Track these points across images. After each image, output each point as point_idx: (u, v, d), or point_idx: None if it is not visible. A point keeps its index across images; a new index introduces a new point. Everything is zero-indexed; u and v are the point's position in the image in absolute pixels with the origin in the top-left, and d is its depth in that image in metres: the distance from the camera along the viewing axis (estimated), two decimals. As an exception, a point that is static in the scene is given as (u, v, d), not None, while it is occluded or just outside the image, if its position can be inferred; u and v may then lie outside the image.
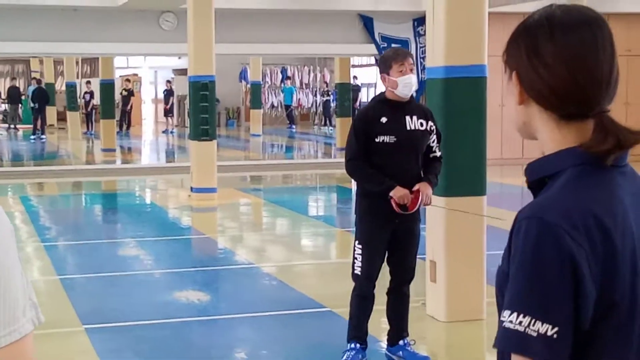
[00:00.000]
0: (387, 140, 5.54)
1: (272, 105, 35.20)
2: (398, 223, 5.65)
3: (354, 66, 28.34)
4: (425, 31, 19.34)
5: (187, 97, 34.40)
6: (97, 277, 8.85)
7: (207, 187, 14.38)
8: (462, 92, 7.02)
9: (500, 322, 1.60)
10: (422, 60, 19.48)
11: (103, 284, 8.58)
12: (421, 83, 19.16)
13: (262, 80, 32.71)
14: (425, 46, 19.35)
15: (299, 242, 11.45)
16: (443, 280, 7.02)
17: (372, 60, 19.82)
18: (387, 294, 6.00)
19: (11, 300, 1.37)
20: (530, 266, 1.56)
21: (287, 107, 34.73)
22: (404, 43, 19.36)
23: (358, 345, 5.87)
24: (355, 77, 31.00)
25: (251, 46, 19.11)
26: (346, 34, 19.00)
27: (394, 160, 5.56)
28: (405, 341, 6.08)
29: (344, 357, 5.84)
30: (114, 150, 24.75)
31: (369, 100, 6.45)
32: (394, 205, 5.54)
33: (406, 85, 5.60)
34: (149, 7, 17.52)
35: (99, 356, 6.03)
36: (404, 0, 18.98)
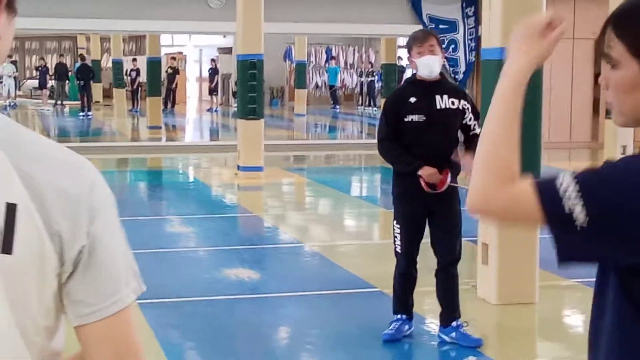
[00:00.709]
0: (417, 120, 5.68)
1: (316, 85, 35.15)
2: (435, 202, 5.74)
3: (399, 47, 28.21)
4: (474, 12, 19.27)
5: (232, 76, 34.62)
6: (145, 253, 8.89)
7: (253, 166, 14.42)
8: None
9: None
10: (469, 41, 19.31)
11: (152, 260, 8.62)
12: (469, 65, 19.05)
13: (307, 60, 32.66)
14: (473, 27, 19.24)
15: (344, 222, 11.46)
16: (495, 263, 6.98)
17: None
18: (435, 274, 6.09)
19: (114, 271, 1.39)
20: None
21: (331, 87, 34.66)
22: (452, 24, 19.20)
23: (403, 316, 6.04)
24: (399, 58, 30.85)
25: (298, 25, 19.03)
26: (393, 14, 18.85)
27: (424, 140, 5.67)
28: (458, 322, 6.09)
29: (390, 327, 6.01)
30: (160, 127, 24.87)
31: (402, 82, 6.56)
32: (422, 184, 5.66)
33: (424, 66, 5.69)
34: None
35: (153, 330, 6.08)
36: (453, -19, 18.81)
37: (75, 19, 17.94)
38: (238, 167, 14.67)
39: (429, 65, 5.68)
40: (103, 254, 1.37)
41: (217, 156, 18.51)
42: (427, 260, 8.64)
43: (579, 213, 1.56)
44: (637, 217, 1.56)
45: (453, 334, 6.06)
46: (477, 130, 5.80)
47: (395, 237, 5.87)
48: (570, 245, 1.60)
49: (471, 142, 5.77)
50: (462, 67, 18.60)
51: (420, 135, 5.67)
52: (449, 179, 5.68)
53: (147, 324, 6.28)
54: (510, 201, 1.65)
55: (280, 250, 9.37)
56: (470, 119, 5.82)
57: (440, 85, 5.81)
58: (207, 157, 18.57)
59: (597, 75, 19.32)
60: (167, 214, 11.67)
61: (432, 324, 6.55)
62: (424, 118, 5.66)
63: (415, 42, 5.72)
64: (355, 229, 11.02)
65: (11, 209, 1.30)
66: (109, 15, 17.84)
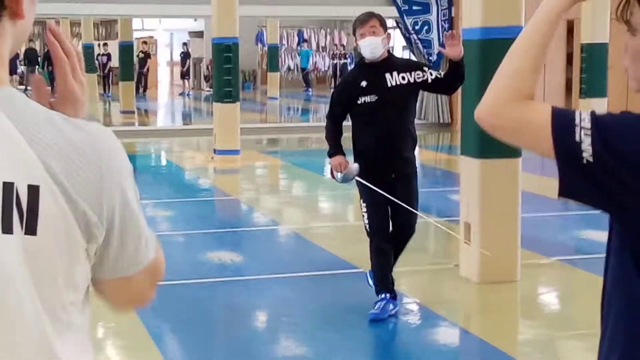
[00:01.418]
0: (369, 100, 5.86)
1: (289, 68, 35.10)
2: (394, 179, 5.97)
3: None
4: (446, -6, 19.23)
5: (203, 60, 34.41)
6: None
7: (230, 149, 14.39)
8: (499, 54, 6.95)
9: None
10: (443, 23, 19.34)
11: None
12: (442, 46, 19.04)
13: (279, 43, 32.58)
14: (447, 8, 19.27)
15: (320, 204, 11.49)
16: (477, 242, 7.03)
17: (393, 23, 19.67)
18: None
19: (136, 237, 1.46)
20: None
21: (304, 70, 34.63)
22: (425, 5, 19.21)
23: (387, 295, 6.08)
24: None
25: (271, 8, 18.99)
26: (366, -4, 18.84)
27: (379, 118, 5.86)
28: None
29: (376, 307, 6.04)
30: (133, 112, 24.75)
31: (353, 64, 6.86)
32: (330, 171, 6.10)
33: (365, 47, 5.85)
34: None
35: (138, 315, 6.08)
36: (426, -38, 18.82)
37: (45, 3, 17.75)
38: (214, 151, 14.64)
39: (369, 46, 5.85)
40: (126, 223, 1.42)
41: (191, 140, 18.46)
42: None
43: (587, 145, 1.57)
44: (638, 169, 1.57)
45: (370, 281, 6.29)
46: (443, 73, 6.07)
47: (363, 216, 6.05)
48: (573, 177, 1.60)
49: (445, 76, 6.01)
50: (436, 49, 18.62)
51: (374, 115, 5.86)
52: (353, 170, 5.92)
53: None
54: (520, 119, 1.66)
55: (260, 232, 9.39)
56: (432, 76, 5.96)
57: (389, 63, 5.96)
58: (181, 141, 18.51)
59: (569, 55, 19.47)
60: (146, 199, 11.64)
61: (414, 304, 6.61)
62: (376, 98, 5.85)
63: (357, 24, 5.91)
64: (332, 210, 11.06)
65: (33, 190, 1.31)
66: (80, -1, 17.71)
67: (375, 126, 5.88)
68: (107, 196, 1.38)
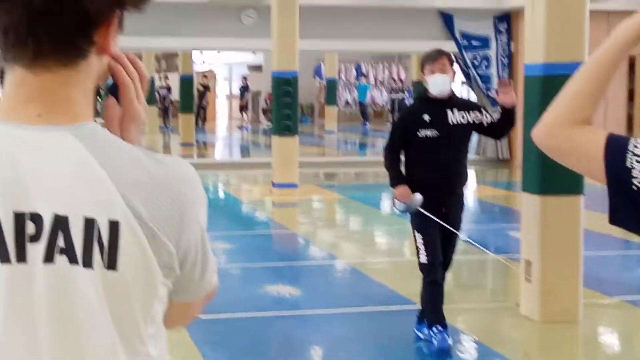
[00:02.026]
0: (430, 135, 5.95)
1: (347, 102, 35.21)
2: (445, 213, 6.02)
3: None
4: (506, 29, 19.23)
5: (261, 93, 34.68)
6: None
7: (288, 183, 14.44)
8: (561, 90, 6.92)
9: None
10: (502, 58, 19.29)
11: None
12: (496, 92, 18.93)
13: (337, 77, 32.74)
14: (506, 43, 19.21)
15: (377, 238, 11.44)
16: (538, 280, 6.94)
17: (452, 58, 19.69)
18: None
19: (206, 266, 1.49)
20: None
21: (361, 104, 34.72)
22: (484, 41, 19.20)
23: (441, 328, 6.10)
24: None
25: (330, 42, 19.11)
26: (425, 30, 18.87)
27: (437, 154, 5.95)
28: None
29: (435, 339, 6.06)
30: (192, 144, 24.99)
31: (414, 98, 6.96)
32: (393, 200, 6.13)
33: (435, 84, 5.97)
34: (232, 2, 17.65)
35: (197, 347, 6.09)
36: (486, -2, 18.83)
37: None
38: (273, 184, 14.70)
39: (439, 84, 5.97)
40: (200, 254, 1.45)
41: (249, 173, 18.56)
42: (459, 278, 8.65)
43: (638, 172, 1.55)
44: None
45: (426, 331, 6.27)
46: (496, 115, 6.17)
47: (418, 248, 6.04)
48: (621, 204, 1.58)
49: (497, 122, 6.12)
50: (495, 84, 18.57)
51: (433, 149, 5.94)
52: (417, 201, 5.90)
53: (190, 339, 6.30)
54: (575, 141, 1.67)
55: (317, 266, 9.38)
56: (488, 119, 6.09)
57: (451, 100, 6.08)
58: (239, 174, 18.62)
59: (631, 92, 19.24)
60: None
61: (472, 341, 6.53)
62: (437, 133, 5.94)
63: (428, 60, 6.00)
64: (388, 245, 11.01)
65: (114, 226, 1.32)
66: (141, 32, 17.98)
67: (434, 160, 5.95)
68: (186, 230, 1.40)
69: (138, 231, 1.34)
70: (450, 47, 19.29)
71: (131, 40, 18.49)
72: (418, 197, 5.94)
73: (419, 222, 6.02)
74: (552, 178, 6.93)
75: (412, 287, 7.79)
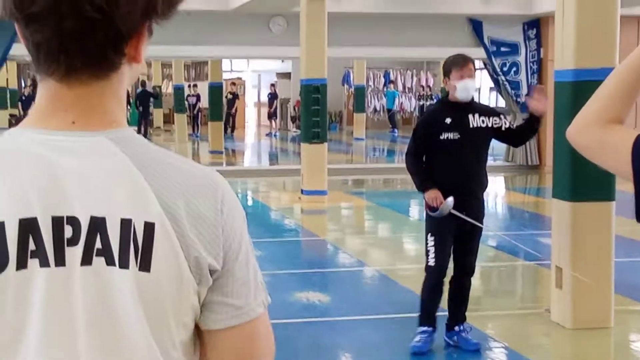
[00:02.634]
0: (452, 137, 5.98)
1: (375, 109, 35.19)
2: (466, 215, 6.04)
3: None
4: (535, 35, 19.15)
5: (290, 101, 34.73)
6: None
7: (317, 190, 14.46)
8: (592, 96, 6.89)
9: None
10: (531, 64, 19.21)
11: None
12: (531, 87, 18.87)
13: (366, 84, 32.72)
14: (535, 50, 19.13)
15: (408, 245, 11.42)
16: (569, 287, 6.90)
17: (480, 64, 19.62)
18: (450, 282, 6.35)
19: (245, 285, 1.42)
20: None
21: (390, 111, 34.67)
22: (514, 47, 19.13)
23: (430, 329, 6.27)
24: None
25: (358, 49, 19.13)
26: (454, 37, 18.83)
27: (458, 157, 5.99)
28: (462, 327, 6.38)
29: (417, 339, 6.26)
30: (222, 152, 25.07)
31: (435, 102, 7.09)
32: (425, 205, 6.08)
33: (465, 89, 6.00)
34: (260, 10, 17.71)
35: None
36: (514, 4, 18.76)
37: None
38: (302, 191, 14.72)
39: (469, 89, 6.05)
40: (236, 269, 1.41)
41: (278, 180, 18.60)
42: (489, 284, 8.61)
43: None
44: None
45: (455, 338, 6.37)
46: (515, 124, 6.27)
47: (428, 250, 6.14)
48: None
49: (518, 128, 6.22)
50: (524, 90, 18.50)
51: (455, 152, 5.99)
52: (450, 204, 5.91)
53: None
54: (605, 141, 1.70)
55: (346, 273, 9.38)
56: (506, 125, 6.16)
57: (472, 105, 6.16)
58: (268, 181, 18.66)
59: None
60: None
61: (502, 348, 6.50)
62: (459, 136, 6.00)
63: (456, 66, 6.05)
64: (417, 251, 10.94)
65: (149, 228, 1.33)
66: (171, 41, 18.07)
67: (455, 163, 6.00)
68: (223, 237, 1.39)
69: (172, 234, 1.34)
70: (479, 53, 19.27)
71: (161, 49, 18.62)
72: (450, 200, 5.93)
73: (434, 225, 6.07)
74: (583, 184, 6.90)
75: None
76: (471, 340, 6.36)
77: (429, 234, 6.13)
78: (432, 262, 6.10)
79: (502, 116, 6.21)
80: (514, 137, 6.30)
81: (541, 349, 6.67)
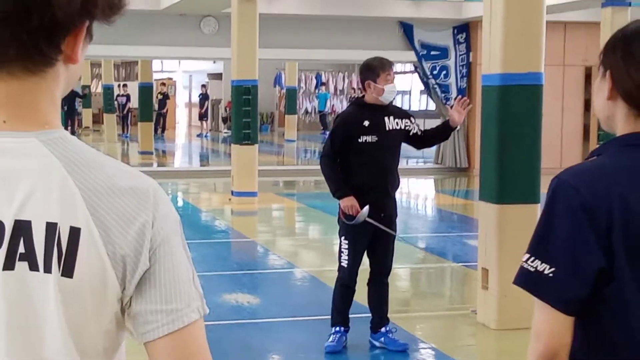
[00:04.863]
0: (370, 140, 6.03)
1: (306, 111, 35.25)
2: (383, 217, 6.12)
3: (389, 73, 28.26)
4: (465, 39, 19.39)
5: (221, 102, 34.58)
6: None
7: (248, 191, 14.43)
8: (518, 100, 7.01)
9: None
10: (461, 68, 19.44)
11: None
12: (460, 91, 19.13)
13: (297, 85, 32.75)
14: (464, 53, 19.37)
15: (338, 247, 11.46)
16: (495, 288, 7.00)
17: (410, 67, 19.78)
18: (368, 284, 6.41)
19: (175, 291, 1.38)
20: (543, 213, 1.94)
21: (321, 112, 34.77)
22: (444, 50, 19.34)
23: (342, 328, 6.34)
24: (390, 84, 30.90)
25: (290, 51, 19.14)
26: (385, 40, 18.96)
27: (375, 159, 6.05)
28: (387, 328, 6.44)
29: (330, 340, 6.31)
30: (152, 153, 24.85)
31: (349, 104, 7.32)
32: (339, 212, 6.12)
33: (391, 92, 6.11)
34: (192, 11, 17.61)
35: (155, 355, 6.05)
36: (445, 8, 18.97)
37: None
38: (232, 193, 14.68)
39: (394, 92, 6.15)
40: (165, 276, 1.37)
41: (208, 181, 18.51)
42: (417, 286, 8.69)
43: (543, 266, 2.06)
44: None
45: (382, 339, 6.41)
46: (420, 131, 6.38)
47: (342, 252, 6.20)
48: None
49: (427, 133, 6.42)
50: (454, 94, 18.71)
51: (372, 154, 6.04)
52: (365, 213, 5.98)
53: (149, 348, 6.26)
54: None
55: (276, 274, 9.38)
56: (415, 130, 6.27)
57: (388, 107, 6.22)
58: (198, 182, 18.57)
59: (587, 102, 19.48)
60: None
61: (429, 349, 6.57)
62: (376, 138, 6.05)
63: (384, 69, 6.10)
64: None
65: (74, 232, 1.31)
66: (101, 41, 17.85)
67: (372, 165, 6.05)
68: (152, 241, 1.36)
69: (98, 240, 1.31)
70: (409, 56, 19.46)
71: (90, 48, 18.22)
72: (366, 209, 5.99)
73: (349, 230, 6.11)
74: (509, 187, 7.01)
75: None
76: (399, 341, 6.41)
77: (343, 237, 6.18)
78: (344, 263, 6.18)
79: (412, 119, 6.32)
80: (422, 142, 6.41)
81: (467, 350, 6.76)
